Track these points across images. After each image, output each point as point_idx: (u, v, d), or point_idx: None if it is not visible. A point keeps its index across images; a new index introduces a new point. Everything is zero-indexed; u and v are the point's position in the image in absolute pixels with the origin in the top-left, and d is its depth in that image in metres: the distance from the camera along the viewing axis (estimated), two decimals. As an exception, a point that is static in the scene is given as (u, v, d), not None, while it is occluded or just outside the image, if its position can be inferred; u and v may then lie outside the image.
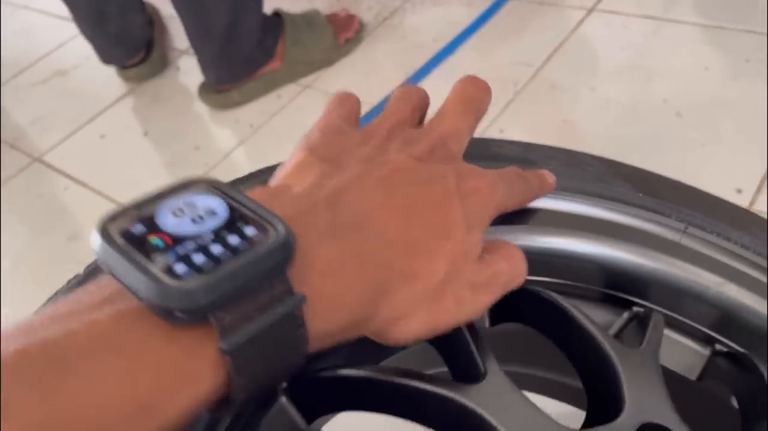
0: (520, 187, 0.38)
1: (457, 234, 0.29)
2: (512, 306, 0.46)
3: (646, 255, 0.46)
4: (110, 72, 1.65)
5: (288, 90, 1.47)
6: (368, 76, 1.45)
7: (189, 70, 1.61)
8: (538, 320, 0.44)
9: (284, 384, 0.38)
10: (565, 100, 1.21)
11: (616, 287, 0.48)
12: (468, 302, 0.29)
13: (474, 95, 0.38)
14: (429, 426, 0.35)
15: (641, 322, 0.48)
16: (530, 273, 0.49)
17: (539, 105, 1.23)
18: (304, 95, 1.45)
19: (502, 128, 1.21)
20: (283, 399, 0.38)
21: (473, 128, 0.36)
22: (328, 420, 0.40)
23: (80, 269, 0.50)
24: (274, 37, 1.41)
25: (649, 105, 1.15)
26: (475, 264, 0.30)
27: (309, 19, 1.46)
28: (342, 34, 1.49)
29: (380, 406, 0.37)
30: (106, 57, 1.59)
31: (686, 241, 0.44)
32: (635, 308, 0.48)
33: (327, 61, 1.49)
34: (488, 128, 1.22)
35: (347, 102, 0.38)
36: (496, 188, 0.33)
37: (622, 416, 0.35)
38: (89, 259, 0.89)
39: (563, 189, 0.49)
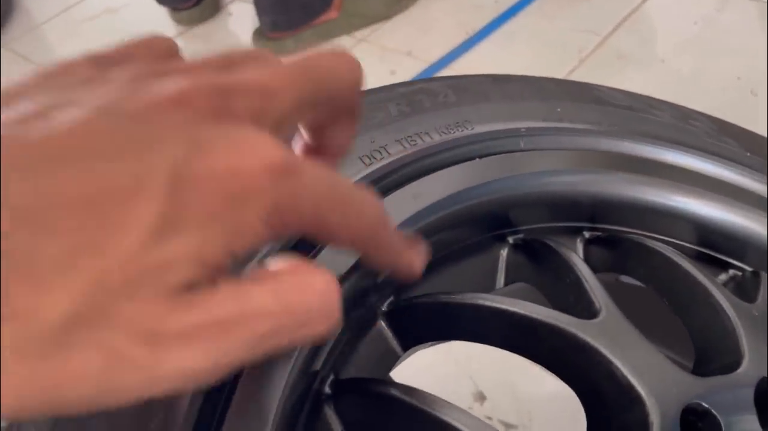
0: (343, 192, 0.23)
1: (121, 247, 0.17)
2: (616, 256, 0.44)
3: (752, 217, 0.44)
4: (161, 13, 1.64)
5: (343, 42, 1.44)
6: (425, 33, 1.41)
7: (241, 16, 1.59)
8: (644, 270, 0.42)
9: (384, 308, 0.37)
10: (632, 71, 1.17)
11: (715, 247, 0.45)
12: (135, 361, 0.17)
13: (327, 66, 0.24)
14: (535, 360, 0.34)
15: (739, 285, 0.45)
16: (626, 225, 0.47)
17: (605, 74, 1.19)
18: (359, 49, 1.42)
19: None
20: (382, 324, 0.37)
21: (301, 102, 0.23)
22: (425, 347, 0.38)
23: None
24: None
25: (722, 81, 1.11)
26: (167, 299, 0.18)
27: (369, -30, 1.43)
28: None
29: (483, 336, 0.35)
30: (160, -3, 1.57)
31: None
32: (732, 271, 0.46)
33: (384, 15, 1.45)
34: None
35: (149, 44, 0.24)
36: (275, 177, 0.19)
37: (741, 368, 0.33)
38: None
39: (670, 141, 0.46)
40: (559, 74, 1.21)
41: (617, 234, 0.44)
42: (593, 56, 1.23)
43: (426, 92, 0.42)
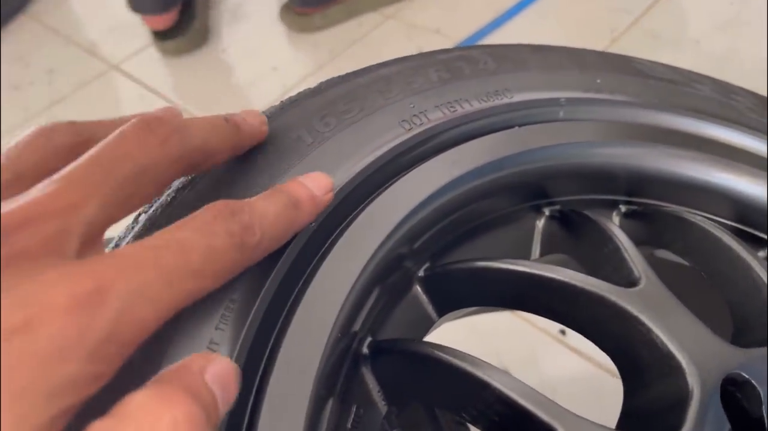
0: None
1: None
2: (652, 230, 0.44)
3: (794, 194, 0.43)
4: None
5: (370, 19, 1.43)
6: (454, 10, 1.40)
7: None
8: (683, 243, 0.41)
9: (420, 274, 0.37)
10: (665, 52, 1.15)
11: (754, 224, 0.45)
12: None
13: (126, 149, 0.21)
14: (573, 326, 0.33)
15: (777, 263, 0.45)
16: (664, 199, 0.47)
17: (637, 54, 1.17)
18: (386, 26, 1.41)
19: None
20: (418, 289, 0.37)
21: (108, 200, 0.20)
22: (458, 316, 0.38)
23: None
24: None
25: (760, 65, 1.08)
26: None
27: (398, -54, 1.41)
28: None
29: (520, 303, 0.35)
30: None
31: None
32: (769, 249, 0.45)
33: (412, -8, 1.44)
34: (578, 74, 1.17)
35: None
36: (82, 313, 0.17)
37: (783, 342, 0.33)
38: None
39: (712, 115, 0.45)
40: (590, 54, 1.19)
41: (654, 208, 0.43)
42: (625, 36, 1.21)
43: (466, 59, 0.41)
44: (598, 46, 1.20)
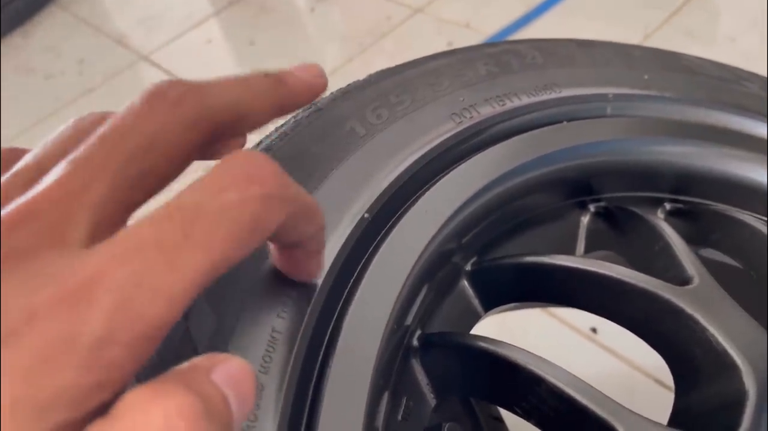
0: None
1: None
2: (698, 229, 0.43)
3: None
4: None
5: (399, 12, 1.42)
6: (483, 6, 1.39)
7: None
8: (732, 243, 0.41)
9: (467, 268, 0.37)
10: (699, 49, 1.13)
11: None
12: None
13: (134, 123, 0.19)
14: (623, 323, 0.33)
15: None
16: (712, 198, 0.46)
17: (669, 51, 1.16)
18: (415, 19, 1.40)
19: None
20: (465, 284, 0.37)
21: (120, 179, 0.18)
22: (503, 310, 0.38)
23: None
24: None
25: (795, 63, 1.06)
26: None
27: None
28: None
29: (569, 299, 0.35)
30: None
31: None
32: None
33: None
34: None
35: None
36: (74, 309, 0.15)
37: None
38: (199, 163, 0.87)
39: (762, 114, 0.45)
40: (622, 50, 1.18)
41: (702, 207, 0.43)
42: (659, 33, 1.19)
43: (514, 54, 0.41)
44: (632, 42, 1.19)
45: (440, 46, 1.32)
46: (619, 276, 0.32)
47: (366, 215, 0.29)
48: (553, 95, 0.40)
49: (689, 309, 0.30)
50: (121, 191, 0.18)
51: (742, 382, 0.29)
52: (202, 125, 0.20)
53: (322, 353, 0.25)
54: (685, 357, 0.31)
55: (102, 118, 0.20)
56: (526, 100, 0.39)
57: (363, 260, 0.29)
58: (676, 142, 0.42)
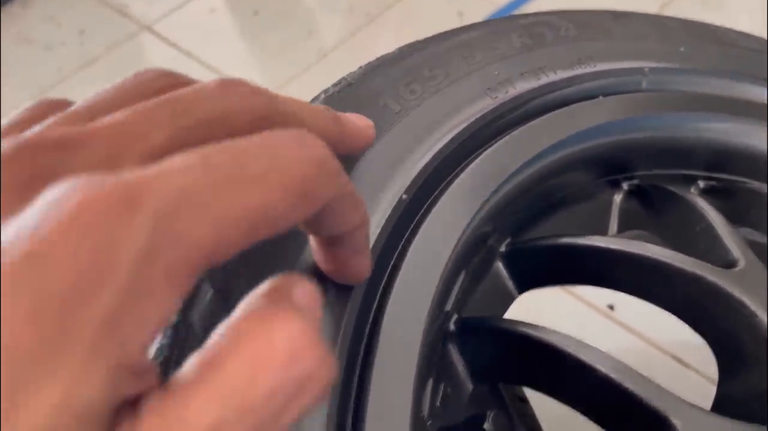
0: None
1: None
2: (734, 207, 0.42)
3: None
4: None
5: (406, -19, 1.39)
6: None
7: (301, -48, 1.55)
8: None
9: (502, 249, 0.36)
10: (718, 20, 1.11)
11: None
12: None
13: (207, 95, 0.19)
14: (664, 305, 0.32)
15: None
16: (748, 175, 0.45)
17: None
18: (423, -11, 1.37)
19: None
20: (499, 265, 0.36)
21: (177, 131, 0.18)
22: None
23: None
24: None
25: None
26: None
27: None
28: None
29: (607, 280, 0.34)
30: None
31: None
32: None
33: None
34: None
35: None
36: (117, 217, 0.13)
37: None
38: None
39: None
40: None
41: (738, 184, 0.42)
42: (675, 1, 1.16)
43: (547, 25, 0.39)
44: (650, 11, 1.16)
45: (450, 16, 1.29)
46: (660, 258, 0.31)
47: (404, 197, 0.28)
48: (588, 69, 0.38)
49: (737, 293, 0.29)
50: (177, 149, 0.16)
51: (792, 368, 0.28)
52: (269, 120, 0.19)
53: (365, 342, 0.25)
54: (732, 342, 0.30)
55: (168, 83, 0.19)
56: (561, 74, 0.37)
57: (402, 244, 0.28)
58: (713, 117, 0.40)
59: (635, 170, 0.41)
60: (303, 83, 1.24)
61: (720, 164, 0.41)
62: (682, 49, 0.42)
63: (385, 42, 1.28)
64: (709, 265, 0.30)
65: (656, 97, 0.40)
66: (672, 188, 0.40)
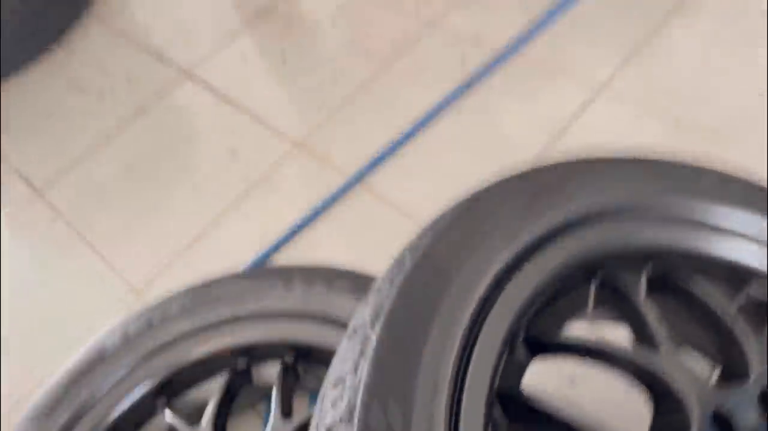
0: None
1: None
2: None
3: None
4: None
5: (412, 25, 1.59)
6: (491, 17, 1.55)
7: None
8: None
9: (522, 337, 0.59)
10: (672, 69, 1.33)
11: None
12: None
13: None
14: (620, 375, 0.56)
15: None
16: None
17: (655, 70, 1.35)
18: (429, 32, 1.57)
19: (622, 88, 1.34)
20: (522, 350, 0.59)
21: None
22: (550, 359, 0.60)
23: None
24: None
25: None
26: None
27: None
28: None
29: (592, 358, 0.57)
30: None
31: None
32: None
33: None
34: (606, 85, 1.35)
35: None
36: None
37: None
38: (253, 171, 1.17)
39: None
40: (616, 60, 1.37)
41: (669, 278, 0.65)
42: (648, 47, 1.38)
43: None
44: (619, 57, 1.37)
45: (454, 61, 1.49)
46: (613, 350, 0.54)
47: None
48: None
49: (659, 371, 0.53)
50: None
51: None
52: None
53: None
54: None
55: None
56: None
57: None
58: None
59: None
60: (330, 129, 1.45)
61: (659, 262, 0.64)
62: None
63: (403, 85, 1.49)
64: (638, 351, 0.54)
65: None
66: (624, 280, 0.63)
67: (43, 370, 1.21)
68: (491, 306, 0.54)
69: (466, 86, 1.43)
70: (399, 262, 0.57)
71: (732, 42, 1.37)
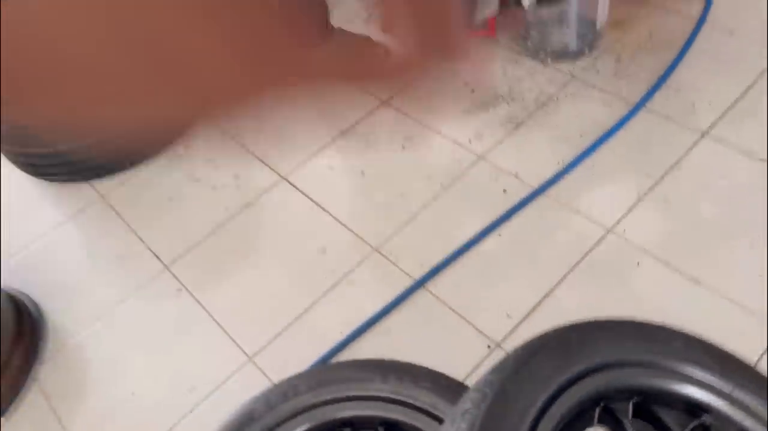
0: None
1: None
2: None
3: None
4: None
5: (466, 157, 2.02)
6: (528, 159, 1.98)
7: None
8: None
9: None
10: (672, 218, 1.75)
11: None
12: None
13: None
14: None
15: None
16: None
17: (654, 218, 1.76)
18: (478, 165, 2.00)
19: (625, 229, 1.76)
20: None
21: None
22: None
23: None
24: None
25: (744, 224, 1.67)
26: None
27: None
28: None
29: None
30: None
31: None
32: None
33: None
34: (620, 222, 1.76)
35: None
36: None
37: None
38: (339, 268, 1.70)
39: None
40: (619, 212, 1.79)
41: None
42: (646, 198, 1.80)
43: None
44: (626, 204, 1.79)
45: (498, 191, 1.92)
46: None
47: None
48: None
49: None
50: None
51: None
52: None
53: None
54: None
55: None
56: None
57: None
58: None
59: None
60: (399, 239, 1.87)
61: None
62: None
63: (457, 207, 1.91)
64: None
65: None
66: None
67: (173, 426, 1.61)
68: (536, 426, 0.94)
69: (508, 215, 1.85)
70: (482, 393, 0.98)
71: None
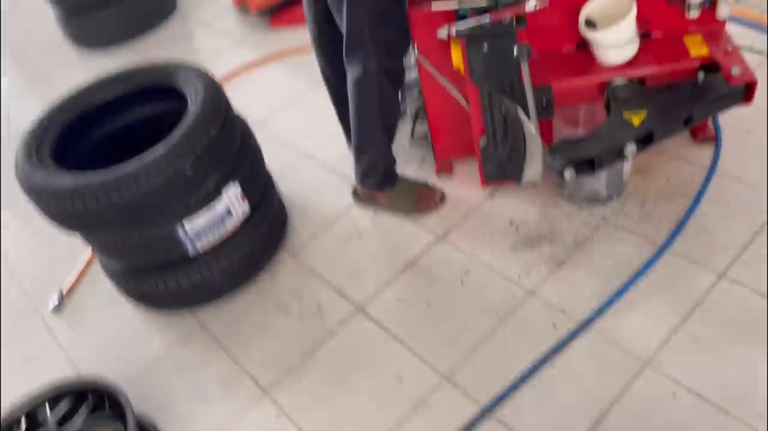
0: None
1: None
2: None
3: None
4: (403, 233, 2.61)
5: (517, 292, 2.37)
6: (573, 297, 2.31)
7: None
8: None
9: None
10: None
11: None
12: None
13: None
14: None
15: None
16: None
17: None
18: (529, 301, 2.34)
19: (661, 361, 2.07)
20: None
21: None
22: None
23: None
24: None
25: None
26: None
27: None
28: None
29: None
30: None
31: None
32: None
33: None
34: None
35: None
36: None
37: None
38: (416, 394, 2.10)
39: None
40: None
41: None
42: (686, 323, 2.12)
43: None
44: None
45: (548, 324, 2.25)
46: None
47: None
48: None
49: None
50: None
51: None
52: None
53: None
54: None
55: None
56: None
57: None
58: None
59: None
60: (465, 367, 2.19)
61: None
62: None
63: (514, 338, 2.24)
64: None
65: None
66: None
67: None
68: None
69: (558, 347, 2.18)
70: None
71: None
